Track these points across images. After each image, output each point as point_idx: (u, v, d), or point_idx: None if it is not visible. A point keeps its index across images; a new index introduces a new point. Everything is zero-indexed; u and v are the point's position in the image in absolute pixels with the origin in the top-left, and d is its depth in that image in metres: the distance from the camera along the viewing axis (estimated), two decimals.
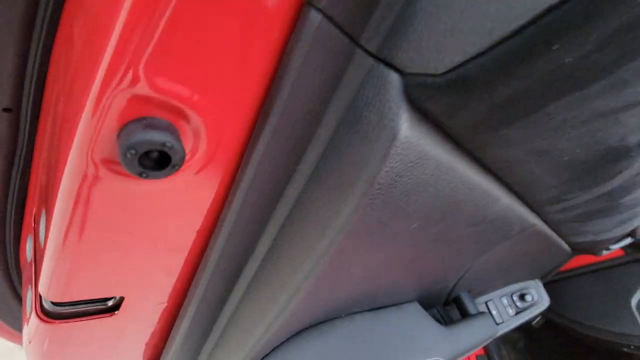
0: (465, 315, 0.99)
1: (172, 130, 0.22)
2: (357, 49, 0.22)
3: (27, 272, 0.42)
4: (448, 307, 1.05)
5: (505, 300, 1.39)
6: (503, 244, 0.77)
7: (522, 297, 1.42)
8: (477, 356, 2.13)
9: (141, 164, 0.22)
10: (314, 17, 0.21)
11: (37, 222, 0.36)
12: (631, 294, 1.67)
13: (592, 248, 1.39)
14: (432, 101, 0.21)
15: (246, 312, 0.40)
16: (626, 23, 0.15)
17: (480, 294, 1.18)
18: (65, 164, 0.26)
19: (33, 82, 0.30)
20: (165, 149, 0.22)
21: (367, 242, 0.32)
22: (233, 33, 0.21)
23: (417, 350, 0.81)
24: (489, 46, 0.17)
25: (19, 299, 0.54)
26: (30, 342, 0.40)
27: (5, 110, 0.33)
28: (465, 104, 0.20)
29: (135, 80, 0.20)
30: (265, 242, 0.32)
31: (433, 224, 0.37)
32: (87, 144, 0.23)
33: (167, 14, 0.18)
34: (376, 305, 0.72)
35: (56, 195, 0.29)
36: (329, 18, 0.21)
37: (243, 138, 0.27)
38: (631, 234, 1.34)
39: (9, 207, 0.43)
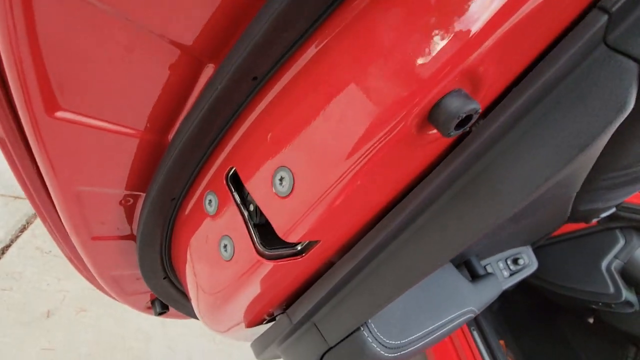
0: (474, 275, 1.13)
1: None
2: (602, 44, 0.30)
3: (215, 223, 0.48)
4: (458, 268, 1.18)
5: (501, 264, 1.55)
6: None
7: (515, 261, 1.57)
8: None
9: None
10: (602, 18, 0.29)
11: (251, 183, 0.42)
12: (601, 258, 1.85)
13: (589, 216, 1.59)
14: None
15: (389, 270, 0.48)
16: None
17: (482, 258, 1.33)
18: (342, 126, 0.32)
19: (281, 59, 0.36)
20: (473, 114, 0.29)
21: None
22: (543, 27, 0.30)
23: (458, 301, 0.94)
24: None
25: (167, 251, 0.59)
26: (235, 282, 0.46)
27: (254, 79, 0.38)
28: None
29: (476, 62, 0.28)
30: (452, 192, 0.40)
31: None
32: (407, 111, 0.30)
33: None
34: None
35: (310, 154, 0.36)
36: (610, 20, 0.29)
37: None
38: (617, 205, 1.53)
39: (194, 170, 0.48)
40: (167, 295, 0.72)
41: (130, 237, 0.61)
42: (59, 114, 0.37)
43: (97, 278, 0.66)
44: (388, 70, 0.31)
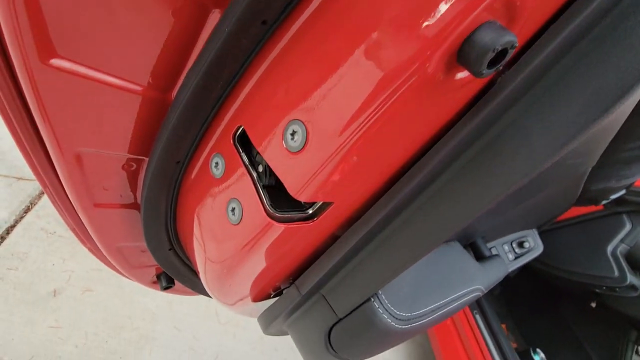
0: (480, 257, 1.11)
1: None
2: None
3: (222, 186, 0.46)
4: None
5: (506, 247, 1.53)
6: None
7: (520, 244, 1.56)
8: None
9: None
10: None
11: (260, 140, 0.39)
12: (607, 242, 1.84)
13: (599, 196, 1.56)
14: None
15: (401, 239, 0.46)
16: None
17: (488, 241, 1.31)
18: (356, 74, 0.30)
19: (292, 1, 0.33)
20: (509, 47, 0.27)
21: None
22: None
23: (466, 279, 0.94)
24: None
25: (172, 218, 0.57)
26: (242, 248, 0.44)
27: (264, 23, 0.35)
28: None
29: None
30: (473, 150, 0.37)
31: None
32: (434, 49, 0.27)
33: None
34: None
35: (324, 104, 0.33)
36: None
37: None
38: (627, 186, 1.51)
39: (199, 130, 0.45)
40: (173, 268, 0.71)
41: (134, 205, 0.59)
42: (55, 61, 0.35)
43: (101, 250, 0.65)
44: (413, 3, 0.28)
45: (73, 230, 0.67)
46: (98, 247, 0.66)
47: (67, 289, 1.63)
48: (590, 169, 0.94)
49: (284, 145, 0.37)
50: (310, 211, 0.44)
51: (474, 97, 0.36)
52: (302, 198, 0.38)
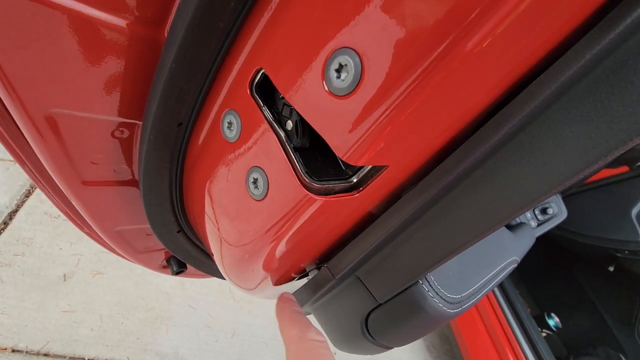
0: (507, 225, 1.03)
1: None
2: None
3: (239, 152, 0.36)
4: None
5: (528, 214, 1.45)
6: None
7: (543, 210, 1.47)
8: None
9: None
10: None
11: (290, 83, 0.29)
12: (632, 205, 1.77)
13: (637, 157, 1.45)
14: None
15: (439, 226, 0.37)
16: None
17: None
18: None
19: None
20: None
21: None
22: None
23: (503, 250, 0.86)
24: None
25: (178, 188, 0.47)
26: (269, 229, 0.35)
27: None
28: None
29: None
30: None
31: None
32: None
33: None
34: None
35: (389, 25, 0.22)
36: None
37: None
38: None
39: (204, 78, 0.34)
40: (184, 252, 0.62)
41: (133, 182, 0.49)
42: None
43: (100, 235, 0.56)
44: None
45: (65, 213, 0.58)
46: (97, 232, 0.58)
47: (77, 273, 1.59)
48: None
49: (326, 88, 0.26)
50: (355, 180, 0.34)
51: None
52: (353, 160, 0.28)
